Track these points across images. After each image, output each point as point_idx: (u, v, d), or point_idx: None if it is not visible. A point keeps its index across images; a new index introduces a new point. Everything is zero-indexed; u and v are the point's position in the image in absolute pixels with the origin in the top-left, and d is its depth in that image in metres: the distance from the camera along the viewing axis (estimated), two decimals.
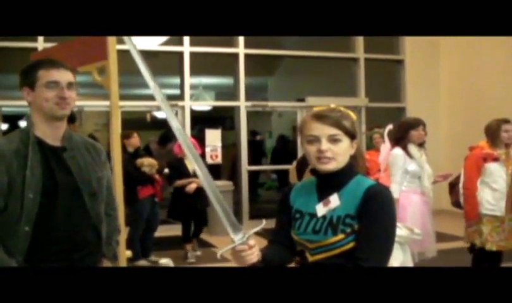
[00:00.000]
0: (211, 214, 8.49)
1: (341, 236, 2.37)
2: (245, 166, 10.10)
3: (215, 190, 2.49)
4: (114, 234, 3.06)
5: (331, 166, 2.43)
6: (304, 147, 2.50)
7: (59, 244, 2.70)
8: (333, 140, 2.42)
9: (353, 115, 2.53)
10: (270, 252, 2.60)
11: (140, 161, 7.39)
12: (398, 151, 5.73)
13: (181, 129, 2.52)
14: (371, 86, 10.99)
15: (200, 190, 7.43)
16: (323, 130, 2.42)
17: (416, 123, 5.83)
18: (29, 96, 2.80)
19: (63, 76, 2.79)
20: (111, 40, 3.81)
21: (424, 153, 5.84)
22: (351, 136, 2.45)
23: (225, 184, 9.24)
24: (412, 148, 5.73)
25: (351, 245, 2.35)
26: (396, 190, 5.59)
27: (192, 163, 2.51)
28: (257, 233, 2.41)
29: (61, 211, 2.75)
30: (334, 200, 2.45)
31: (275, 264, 2.59)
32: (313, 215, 2.50)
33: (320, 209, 2.47)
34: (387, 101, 11.14)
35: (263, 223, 2.46)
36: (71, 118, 5.04)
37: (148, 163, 7.42)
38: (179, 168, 7.79)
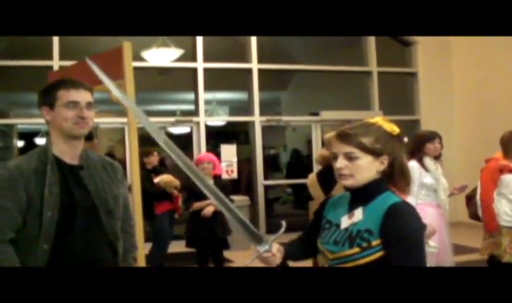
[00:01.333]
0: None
1: (356, 249, 2.39)
2: (261, 181, 10.11)
3: (230, 205, 2.57)
4: (131, 251, 3.08)
5: (349, 182, 2.47)
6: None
7: (77, 261, 2.72)
8: (349, 158, 2.46)
9: (387, 129, 2.53)
10: (293, 248, 2.74)
11: (160, 179, 7.38)
12: (413, 164, 5.71)
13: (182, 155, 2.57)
14: (384, 99, 10.98)
15: (219, 214, 6.20)
16: (340, 148, 2.48)
17: (432, 136, 5.82)
18: (48, 115, 2.83)
19: (82, 96, 2.82)
20: (127, 58, 3.84)
21: (440, 166, 5.83)
22: (373, 152, 2.46)
23: (241, 198, 9.21)
24: (428, 161, 5.72)
25: (366, 260, 2.37)
26: (411, 203, 5.57)
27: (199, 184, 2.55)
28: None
29: (79, 229, 2.78)
30: (358, 214, 2.48)
31: (296, 259, 2.75)
32: (338, 226, 2.53)
33: (345, 221, 2.50)
34: (401, 114, 11.12)
35: (283, 227, 2.53)
36: (89, 137, 5.08)
37: (168, 180, 7.40)
38: (195, 188, 6.58)
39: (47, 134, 2.99)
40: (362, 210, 2.47)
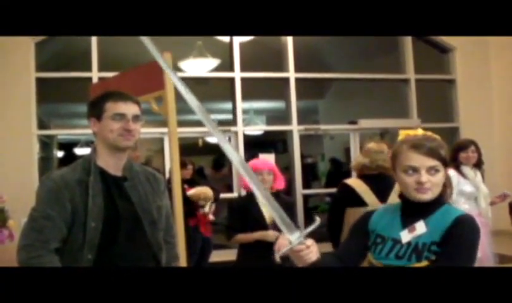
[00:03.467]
0: None
1: (424, 263, 2.38)
2: (300, 190, 10.09)
3: (266, 191, 2.57)
4: (173, 261, 3.13)
5: (428, 196, 2.45)
6: (399, 175, 2.52)
7: None
8: (434, 171, 2.43)
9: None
10: (329, 259, 2.64)
11: (195, 195, 7.32)
12: (451, 172, 5.68)
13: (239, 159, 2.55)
14: (423, 107, 10.89)
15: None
16: (422, 161, 2.44)
17: (465, 145, 5.80)
18: (95, 126, 2.90)
19: (130, 108, 2.86)
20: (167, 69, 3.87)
21: (480, 173, 5.78)
22: (446, 164, 2.48)
23: None
24: (466, 169, 5.69)
25: None
26: None
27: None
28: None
29: (122, 240, 2.81)
30: (420, 227, 2.46)
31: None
32: (396, 241, 2.51)
33: (405, 236, 2.48)
34: (440, 122, 11.01)
35: (318, 221, 2.49)
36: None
37: (204, 197, 7.32)
38: (244, 213, 5.05)
39: (87, 144, 3.05)
40: (424, 223, 2.46)
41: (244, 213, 4.99)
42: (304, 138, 10.54)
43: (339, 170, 13.57)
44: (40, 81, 9.02)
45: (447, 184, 2.52)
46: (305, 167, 12.02)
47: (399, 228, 2.53)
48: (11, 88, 8.66)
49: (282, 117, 10.94)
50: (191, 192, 7.28)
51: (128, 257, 2.81)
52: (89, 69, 9.26)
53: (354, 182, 5.17)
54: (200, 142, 11.25)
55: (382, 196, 4.85)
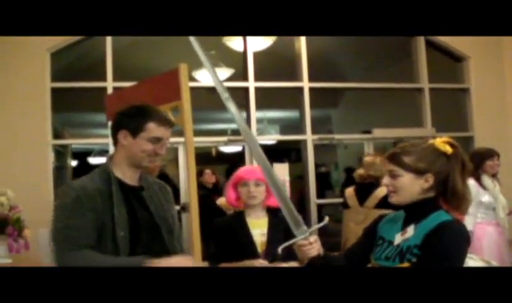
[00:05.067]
0: None
1: (405, 264, 2.50)
2: (314, 200, 10.06)
3: (280, 185, 2.65)
4: None
5: (393, 199, 2.68)
6: None
7: None
8: (392, 175, 2.67)
9: (439, 148, 2.68)
10: (336, 257, 2.91)
11: (221, 202, 7.25)
12: (471, 182, 5.65)
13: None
14: (437, 116, 10.85)
15: None
16: (386, 166, 2.72)
17: (491, 153, 5.78)
18: (125, 140, 2.89)
19: (168, 133, 2.87)
20: (184, 79, 3.88)
21: (498, 184, 5.76)
22: (414, 171, 2.61)
23: None
24: (485, 179, 5.67)
25: None
26: (470, 222, 5.53)
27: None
28: None
29: (143, 249, 2.82)
30: (410, 230, 2.60)
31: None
32: (390, 243, 2.67)
33: (398, 238, 2.65)
34: (454, 131, 10.97)
35: (326, 220, 2.73)
36: None
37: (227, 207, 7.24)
38: (230, 236, 4.19)
39: (100, 154, 3.07)
40: (414, 227, 2.60)
41: (230, 237, 4.12)
42: (317, 147, 10.52)
43: (352, 179, 13.52)
44: (54, 91, 9.05)
45: (449, 192, 2.61)
46: (318, 176, 11.99)
47: (398, 231, 2.68)
48: (27, 98, 8.71)
49: (296, 126, 10.93)
50: (220, 200, 7.18)
51: None
52: (104, 79, 9.29)
53: (348, 189, 6.67)
54: (214, 151, 11.27)
55: (361, 200, 6.26)
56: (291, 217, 2.62)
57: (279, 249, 2.69)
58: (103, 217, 2.73)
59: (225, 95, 2.74)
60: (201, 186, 6.61)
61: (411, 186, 2.62)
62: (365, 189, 6.24)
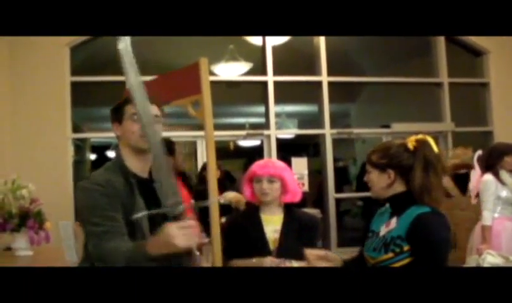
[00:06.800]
0: None
1: (390, 254, 2.69)
2: (332, 194, 10.05)
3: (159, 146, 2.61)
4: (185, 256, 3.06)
5: (370, 193, 2.96)
6: None
7: None
8: (367, 172, 2.94)
9: (406, 145, 2.87)
10: (350, 261, 3.11)
11: (224, 196, 7.25)
12: (489, 177, 5.63)
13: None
14: (456, 111, 10.79)
15: None
16: None
17: (510, 149, 5.73)
18: (118, 130, 3.00)
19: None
20: (204, 73, 3.89)
21: None
22: (377, 167, 2.86)
23: (313, 211, 8.85)
24: (504, 174, 5.63)
25: (399, 264, 2.65)
26: (488, 217, 5.50)
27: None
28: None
29: None
30: (393, 222, 2.78)
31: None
32: (377, 234, 2.86)
33: (383, 230, 2.83)
34: (474, 125, 10.91)
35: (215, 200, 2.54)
36: (170, 152, 5.10)
37: (235, 201, 7.25)
38: (242, 233, 4.04)
39: (116, 148, 3.10)
40: (397, 219, 2.77)
41: (242, 233, 3.99)
42: (335, 142, 10.49)
43: None
44: (74, 85, 9.11)
45: (419, 186, 2.75)
46: (337, 171, 12.00)
47: (383, 224, 2.87)
48: (47, 93, 8.77)
49: (315, 120, 10.92)
50: (226, 196, 7.15)
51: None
52: (122, 73, 9.33)
53: (446, 179, 6.71)
54: (231, 145, 11.27)
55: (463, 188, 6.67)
56: (168, 188, 2.53)
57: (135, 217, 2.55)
58: (128, 208, 2.75)
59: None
60: (205, 181, 6.46)
61: (377, 181, 2.87)
62: (462, 177, 6.64)
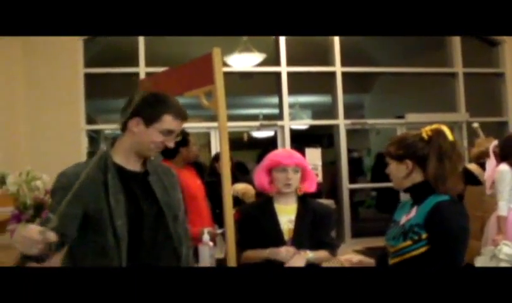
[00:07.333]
0: None
1: (408, 242, 2.73)
2: (346, 185, 10.04)
3: None
4: (188, 254, 3.01)
5: (392, 184, 3.00)
6: None
7: None
8: (387, 164, 2.98)
9: (421, 135, 2.88)
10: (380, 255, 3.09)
11: (236, 189, 7.19)
12: (505, 167, 5.58)
13: None
14: (471, 101, 10.73)
15: None
16: None
17: None
18: (137, 127, 2.77)
19: (180, 127, 2.82)
20: (217, 64, 3.86)
21: None
22: (395, 158, 2.90)
23: (327, 202, 8.92)
24: None
25: (418, 251, 2.69)
26: (503, 207, 5.46)
27: None
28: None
29: (147, 237, 2.77)
30: (413, 212, 2.82)
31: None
32: (397, 223, 2.91)
33: (403, 219, 2.88)
34: (488, 116, 10.85)
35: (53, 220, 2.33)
36: (185, 143, 5.06)
37: (242, 193, 7.20)
38: (256, 224, 3.92)
39: (110, 141, 2.91)
40: (416, 208, 2.81)
41: (256, 223, 3.90)
42: (350, 133, 10.49)
43: (384, 165, 13.38)
44: (88, 77, 9.14)
45: (435, 177, 2.77)
46: (351, 162, 11.96)
47: (405, 214, 2.91)
48: (61, 85, 8.81)
49: (328, 111, 10.90)
50: (235, 188, 7.08)
51: (151, 254, 2.78)
52: (136, 64, 9.34)
53: (473, 167, 6.66)
54: (245, 136, 11.25)
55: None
56: None
57: None
58: (100, 205, 2.66)
59: None
60: (215, 172, 6.41)
61: (396, 172, 2.91)
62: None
